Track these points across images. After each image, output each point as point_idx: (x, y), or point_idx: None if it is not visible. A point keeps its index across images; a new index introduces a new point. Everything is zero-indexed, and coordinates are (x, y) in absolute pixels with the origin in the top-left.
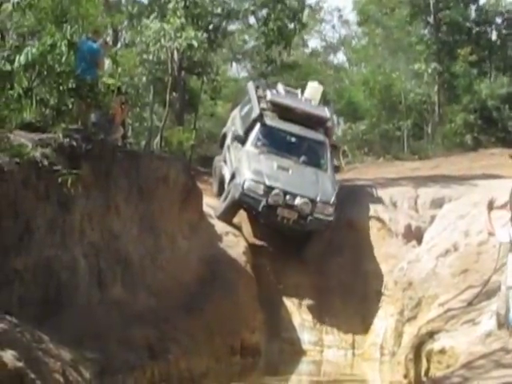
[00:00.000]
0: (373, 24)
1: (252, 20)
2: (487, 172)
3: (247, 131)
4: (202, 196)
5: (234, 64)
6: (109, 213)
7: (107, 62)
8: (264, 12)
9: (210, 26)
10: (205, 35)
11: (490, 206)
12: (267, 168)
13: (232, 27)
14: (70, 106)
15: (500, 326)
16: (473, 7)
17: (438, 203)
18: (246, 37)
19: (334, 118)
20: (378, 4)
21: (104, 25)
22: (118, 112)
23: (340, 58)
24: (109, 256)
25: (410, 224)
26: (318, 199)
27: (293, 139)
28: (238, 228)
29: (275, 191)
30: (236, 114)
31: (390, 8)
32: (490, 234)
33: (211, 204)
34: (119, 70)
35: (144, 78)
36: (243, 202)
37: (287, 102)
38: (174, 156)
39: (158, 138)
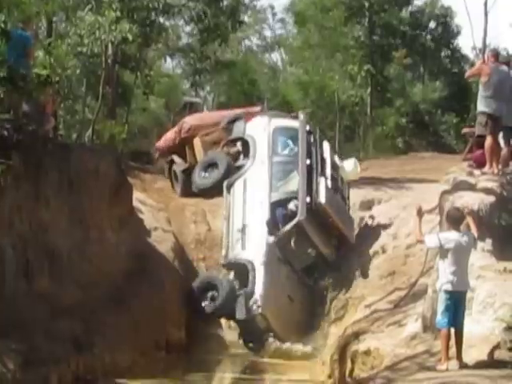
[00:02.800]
0: (308, 24)
1: (188, 16)
2: (417, 176)
3: (274, 217)
4: (132, 190)
5: (168, 59)
6: (38, 204)
7: (41, 53)
8: (200, 8)
9: (146, 21)
10: (140, 29)
11: (419, 214)
12: (280, 299)
13: (167, 23)
14: (2, 96)
15: (425, 328)
16: (407, 10)
17: (367, 205)
18: (182, 33)
19: None
20: (314, 4)
21: (36, 14)
22: (50, 103)
23: (276, 57)
24: (37, 248)
25: None
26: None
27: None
28: (168, 223)
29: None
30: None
31: (326, 9)
32: (419, 241)
33: (141, 198)
34: (52, 61)
35: (77, 71)
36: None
37: (332, 212)
38: (105, 149)
39: (90, 130)
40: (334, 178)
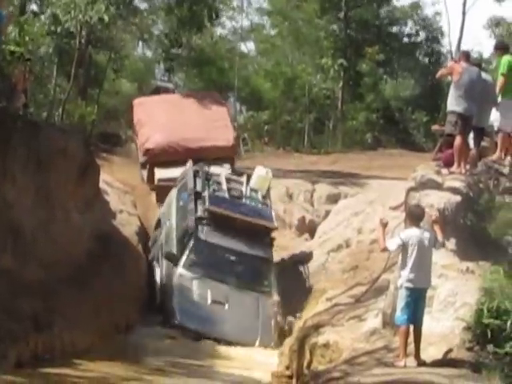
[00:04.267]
0: (280, 15)
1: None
2: (385, 172)
3: (179, 246)
4: (100, 172)
5: (140, 43)
6: (4, 181)
7: (14, 30)
8: None
9: (122, 2)
10: (116, 11)
11: (383, 225)
12: (200, 304)
13: (142, 6)
14: None
15: (385, 324)
16: (386, 8)
17: (333, 198)
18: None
19: (237, 105)
20: None
21: None
22: (21, 80)
23: (250, 46)
24: (1, 225)
25: (304, 217)
26: (257, 344)
27: (232, 257)
28: (133, 207)
29: (207, 341)
30: (172, 200)
31: (299, 0)
32: (383, 250)
33: (108, 180)
34: (26, 38)
35: (50, 50)
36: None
37: (229, 212)
38: (74, 129)
39: (60, 110)
40: (231, 189)
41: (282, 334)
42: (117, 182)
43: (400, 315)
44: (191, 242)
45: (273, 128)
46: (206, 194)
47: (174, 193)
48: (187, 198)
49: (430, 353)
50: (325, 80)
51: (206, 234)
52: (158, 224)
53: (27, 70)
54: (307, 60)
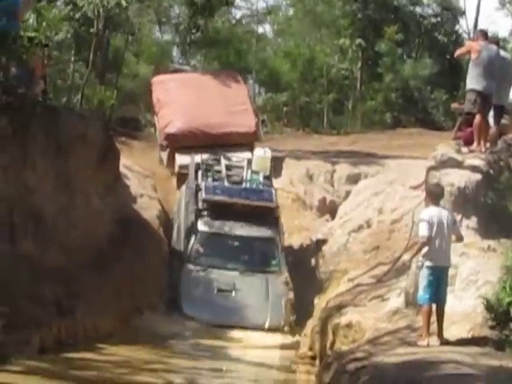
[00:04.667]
0: None
1: None
2: (405, 151)
3: (185, 242)
4: (120, 156)
5: (157, 27)
6: (25, 167)
7: (32, 16)
8: None
9: None
10: None
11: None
12: (207, 295)
13: None
14: None
15: (408, 304)
16: None
17: (353, 179)
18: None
19: (256, 87)
20: None
21: None
22: (39, 66)
23: (266, 28)
24: (22, 211)
25: (324, 198)
26: (267, 326)
27: (236, 243)
28: (154, 190)
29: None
30: (181, 197)
31: None
32: (428, 240)
33: (128, 165)
34: (43, 23)
35: (68, 35)
36: None
37: (225, 198)
38: (93, 114)
39: (79, 95)
40: (231, 176)
41: (299, 313)
42: (137, 166)
43: (422, 294)
44: (193, 236)
45: (292, 109)
46: (202, 184)
47: (182, 190)
48: (190, 193)
49: (452, 332)
50: (343, 61)
51: (205, 225)
52: (173, 225)
53: (45, 56)
54: (325, 41)
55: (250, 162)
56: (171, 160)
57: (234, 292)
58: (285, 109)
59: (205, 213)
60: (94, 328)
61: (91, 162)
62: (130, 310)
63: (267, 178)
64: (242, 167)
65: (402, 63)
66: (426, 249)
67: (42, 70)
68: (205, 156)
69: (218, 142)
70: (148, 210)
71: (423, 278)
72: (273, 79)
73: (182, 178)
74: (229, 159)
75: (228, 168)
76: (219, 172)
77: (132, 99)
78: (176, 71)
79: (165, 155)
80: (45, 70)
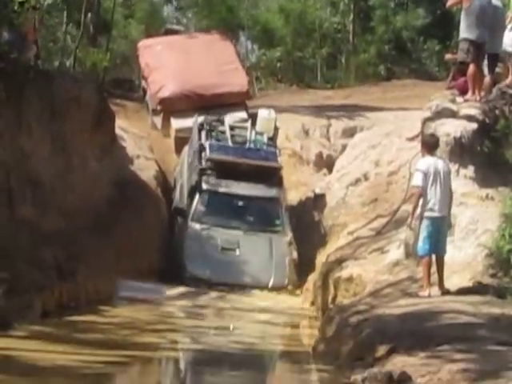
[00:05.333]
0: None
1: None
2: (400, 103)
3: (189, 201)
4: (115, 118)
5: None
6: (20, 132)
7: None
8: None
9: None
10: None
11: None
12: (211, 253)
13: None
14: None
15: (408, 255)
16: None
17: (349, 132)
18: None
19: (249, 44)
20: None
21: None
22: (31, 30)
23: None
24: (19, 175)
25: (321, 152)
26: (271, 284)
27: (240, 202)
28: (150, 151)
29: (219, 288)
30: (184, 158)
31: None
32: (418, 192)
33: (123, 126)
34: None
35: None
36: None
37: (230, 157)
38: (87, 77)
39: (72, 58)
40: (235, 136)
41: (299, 269)
42: (132, 127)
43: (422, 245)
44: (197, 195)
45: (285, 65)
46: (207, 144)
47: (185, 150)
48: (193, 153)
49: (453, 281)
50: (335, 14)
51: (209, 183)
52: (175, 185)
53: (37, 21)
54: None
55: (254, 122)
56: (166, 124)
57: (237, 250)
58: (278, 64)
59: (209, 172)
60: (95, 290)
61: (86, 124)
62: (131, 272)
63: (271, 139)
64: (245, 128)
65: (394, 14)
66: (422, 199)
67: (34, 34)
68: (208, 117)
69: (211, 103)
70: (145, 170)
71: (423, 228)
72: (265, 35)
73: (179, 141)
74: (233, 120)
75: (232, 128)
76: (223, 133)
77: (125, 61)
78: (168, 32)
79: (158, 120)
80: (36, 34)
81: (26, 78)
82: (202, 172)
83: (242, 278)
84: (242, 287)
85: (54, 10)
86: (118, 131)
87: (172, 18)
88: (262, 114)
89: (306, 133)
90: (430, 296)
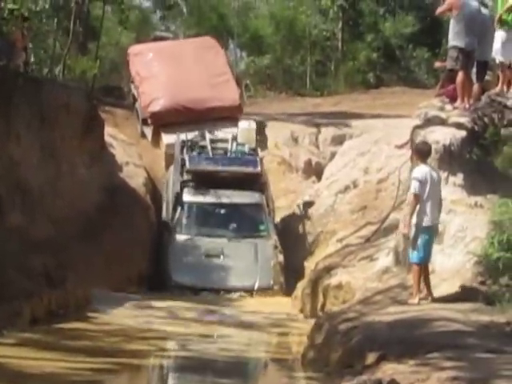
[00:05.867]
0: None
1: None
2: (388, 110)
3: (173, 214)
4: (104, 125)
5: None
6: (9, 140)
7: None
8: None
9: None
10: None
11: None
12: (195, 261)
13: None
14: None
15: (397, 262)
16: None
17: (338, 140)
18: None
19: (237, 51)
20: None
21: None
22: (20, 38)
23: None
24: (8, 183)
25: (310, 160)
26: (256, 287)
27: (222, 211)
28: (139, 158)
29: (204, 293)
30: (170, 173)
31: None
32: (415, 198)
33: (112, 133)
34: None
35: (47, 5)
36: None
37: (209, 167)
38: (76, 84)
39: (61, 66)
40: (216, 149)
41: (288, 276)
42: (121, 134)
43: (417, 253)
44: (179, 208)
45: (274, 72)
46: (186, 157)
47: (170, 169)
48: (175, 169)
49: (443, 288)
50: (324, 21)
51: (190, 195)
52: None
53: (26, 27)
54: (306, 2)
55: (235, 135)
56: (156, 136)
57: (222, 256)
58: (268, 72)
59: (190, 184)
60: (84, 297)
61: (76, 131)
62: (120, 279)
63: (253, 150)
64: (226, 140)
65: (382, 22)
66: (418, 208)
67: (23, 41)
68: (190, 134)
69: (202, 117)
70: (134, 177)
71: (418, 236)
72: (255, 42)
73: (170, 157)
74: (213, 133)
75: (212, 141)
76: (204, 147)
77: (114, 68)
78: (157, 39)
79: (149, 131)
80: (25, 41)
81: (15, 85)
82: (182, 184)
83: (226, 282)
84: (227, 291)
85: (43, 17)
86: (107, 138)
87: (161, 25)
88: (242, 125)
89: (295, 140)
90: (419, 303)
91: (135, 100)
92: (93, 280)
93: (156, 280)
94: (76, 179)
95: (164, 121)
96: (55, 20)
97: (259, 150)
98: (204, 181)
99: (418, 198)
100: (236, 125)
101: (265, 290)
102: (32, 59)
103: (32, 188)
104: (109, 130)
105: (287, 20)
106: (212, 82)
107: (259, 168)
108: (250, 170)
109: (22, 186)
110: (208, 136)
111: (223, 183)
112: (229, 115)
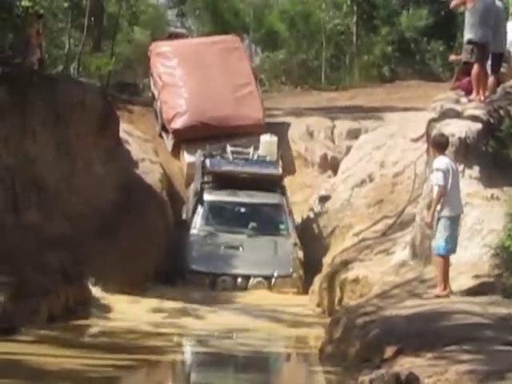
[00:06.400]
0: None
1: None
2: (404, 104)
3: (193, 214)
4: (119, 122)
5: None
6: (25, 137)
7: None
8: None
9: None
10: None
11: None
12: (214, 251)
13: None
14: None
15: (414, 256)
16: None
17: (354, 134)
18: None
19: (252, 46)
20: None
21: None
22: (34, 35)
23: None
24: (24, 180)
25: (326, 154)
26: (276, 274)
27: (242, 209)
28: (155, 154)
29: (222, 278)
30: (191, 188)
31: None
32: (443, 189)
33: (128, 130)
34: None
35: (63, 3)
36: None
37: (229, 167)
38: (91, 81)
39: (76, 63)
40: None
41: (305, 271)
42: (137, 130)
43: (445, 245)
44: (199, 205)
45: (289, 67)
46: (207, 160)
47: (191, 187)
48: (197, 176)
49: (460, 281)
50: (338, 15)
51: (210, 194)
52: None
53: (41, 25)
54: None
55: (256, 147)
56: (177, 149)
57: (241, 248)
58: (282, 67)
59: (210, 184)
60: (101, 294)
61: (91, 128)
62: (137, 274)
63: (274, 162)
64: (248, 153)
65: (397, 15)
66: (442, 199)
67: (38, 38)
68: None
69: (224, 133)
70: (150, 174)
71: (444, 227)
72: (269, 38)
73: (190, 177)
74: (235, 146)
75: (233, 153)
76: (225, 156)
77: (129, 65)
78: (172, 36)
79: (170, 142)
80: (40, 39)
81: (30, 83)
82: (202, 185)
83: (245, 269)
84: (245, 278)
85: (58, 15)
86: (122, 135)
87: (176, 22)
88: (264, 138)
89: (311, 135)
90: (448, 296)
91: (154, 98)
92: (109, 276)
93: (172, 274)
94: (91, 176)
95: (186, 137)
96: (69, 17)
97: (280, 162)
98: (224, 182)
99: (443, 188)
100: (258, 139)
101: (284, 278)
102: (46, 56)
103: (48, 185)
104: (124, 127)
105: (301, 14)
106: (236, 94)
107: (280, 170)
108: (270, 171)
109: (38, 183)
110: (229, 149)
111: (243, 185)
112: (252, 131)
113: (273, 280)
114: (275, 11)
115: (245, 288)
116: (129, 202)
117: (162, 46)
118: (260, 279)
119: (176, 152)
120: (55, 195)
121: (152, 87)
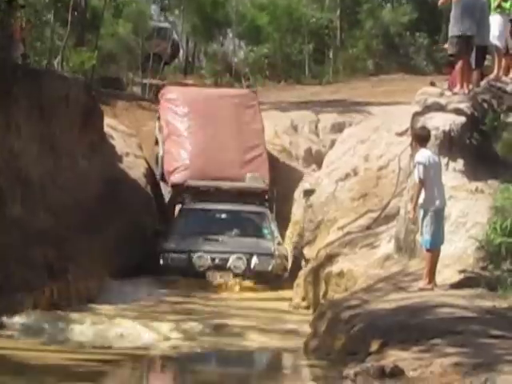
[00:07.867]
0: None
1: None
2: (388, 97)
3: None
4: (103, 116)
5: None
6: (9, 132)
7: None
8: None
9: None
10: None
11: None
12: (193, 239)
13: None
14: None
15: (398, 249)
16: None
17: (338, 128)
18: None
19: (236, 41)
20: None
21: None
22: (18, 30)
23: None
24: (9, 175)
25: (310, 148)
26: (257, 252)
27: (223, 215)
28: (139, 149)
29: (198, 254)
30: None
31: None
32: (420, 183)
33: (112, 124)
34: None
35: None
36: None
37: (210, 183)
38: (74, 76)
39: (59, 57)
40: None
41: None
42: (121, 125)
43: (431, 239)
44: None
45: (273, 61)
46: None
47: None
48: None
49: (445, 275)
50: (321, 10)
51: (190, 204)
52: None
53: (23, 19)
54: None
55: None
56: (174, 201)
57: (220, 239)
58: (266, 61)
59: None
60: (86, 289)
61: (75, 123)
62: (121, 269)
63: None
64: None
65: (380, 9)
66: (424, 192)
67: (21, 33)
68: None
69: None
70: (134, 168)
71: (431, 222)
72: (253, 32)
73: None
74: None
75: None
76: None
77: (112, 59)
78: (155, 29)
79: (166, 189)
80: (23, 33)
81: (14, 78)
82: (180, 199)
83: (224, 247)
84: (224, 256)
85: (40, 9)
86: (106, 129)
87: (159, 16)
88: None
89: (295, 129)
90: (433, 289)
91: (157, 143)
92: (94, 270)
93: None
94: (76, 170)
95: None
96: (53, 11)
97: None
98: (205, 197)
99: (422, 182)
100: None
101: (266, 256)
102: (30, 51)
103: (32, 180)
104: (108, 121)
105: (283, 8)
106: (245, 156)
107: (266, 184)
108: (255, 185)
109: (23, 178)
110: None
111: (227, 200)
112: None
113: (254, 258)
114: (257, 5)
115: (223, 268)
116: (113, 197)
117: (174, 92)
118: (240, 255)
119: (172, 205)
120: (40, 190)
121: (156, 131)
